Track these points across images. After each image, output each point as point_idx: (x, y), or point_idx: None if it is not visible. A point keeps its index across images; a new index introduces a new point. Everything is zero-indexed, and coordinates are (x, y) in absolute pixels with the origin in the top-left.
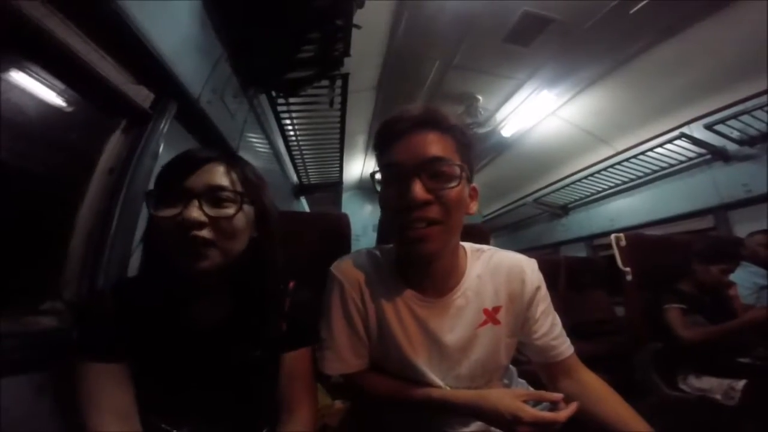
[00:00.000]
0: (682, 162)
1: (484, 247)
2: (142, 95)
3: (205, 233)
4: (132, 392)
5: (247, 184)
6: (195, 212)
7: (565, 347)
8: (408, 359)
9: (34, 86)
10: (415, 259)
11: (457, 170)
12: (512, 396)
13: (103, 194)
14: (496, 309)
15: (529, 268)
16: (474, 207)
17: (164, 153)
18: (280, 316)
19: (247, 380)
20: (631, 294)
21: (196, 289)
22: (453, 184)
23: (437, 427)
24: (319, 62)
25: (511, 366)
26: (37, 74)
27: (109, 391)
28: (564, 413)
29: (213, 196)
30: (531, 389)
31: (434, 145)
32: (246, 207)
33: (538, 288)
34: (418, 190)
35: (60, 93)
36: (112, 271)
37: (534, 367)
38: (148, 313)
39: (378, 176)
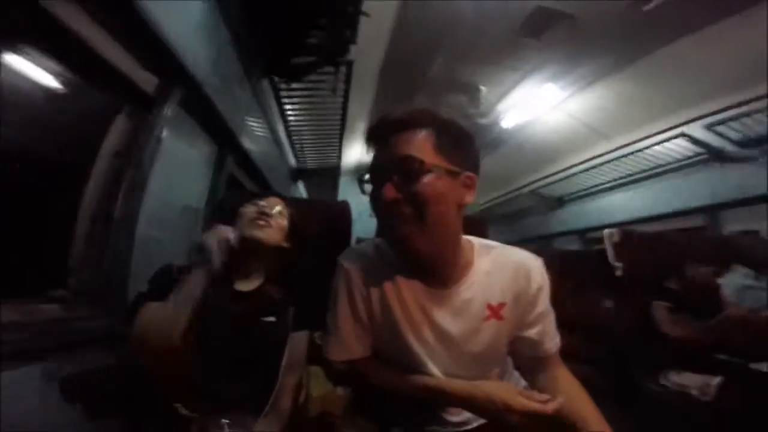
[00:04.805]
0: (680, 160)
1: (493, 243)
2: (148, 81)
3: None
4: None
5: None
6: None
7: (554, 343)
8: (410, 347)
9: (37, 72)
10: (404, 258)
11: (428, 165)
12: (506, 388)
13: (108, 178)
14: (501, 305)
15: (535, 267)
16: (469, 197)
17: (168, 138)
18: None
19: (259, 342)
20: (621, 289)
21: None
22: (425, 179)
23: (435, 414)
24: (325, 49)
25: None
26: (39, 59)
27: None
28: (551, 406)
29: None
30: (523, 381)
31: (406, 144)
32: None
33: (541, 288)
34: (387, 190)
35: (63, 77)
36: (116, 256)
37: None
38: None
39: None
